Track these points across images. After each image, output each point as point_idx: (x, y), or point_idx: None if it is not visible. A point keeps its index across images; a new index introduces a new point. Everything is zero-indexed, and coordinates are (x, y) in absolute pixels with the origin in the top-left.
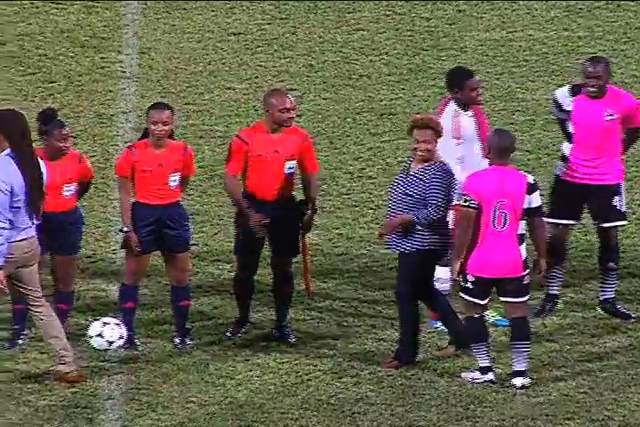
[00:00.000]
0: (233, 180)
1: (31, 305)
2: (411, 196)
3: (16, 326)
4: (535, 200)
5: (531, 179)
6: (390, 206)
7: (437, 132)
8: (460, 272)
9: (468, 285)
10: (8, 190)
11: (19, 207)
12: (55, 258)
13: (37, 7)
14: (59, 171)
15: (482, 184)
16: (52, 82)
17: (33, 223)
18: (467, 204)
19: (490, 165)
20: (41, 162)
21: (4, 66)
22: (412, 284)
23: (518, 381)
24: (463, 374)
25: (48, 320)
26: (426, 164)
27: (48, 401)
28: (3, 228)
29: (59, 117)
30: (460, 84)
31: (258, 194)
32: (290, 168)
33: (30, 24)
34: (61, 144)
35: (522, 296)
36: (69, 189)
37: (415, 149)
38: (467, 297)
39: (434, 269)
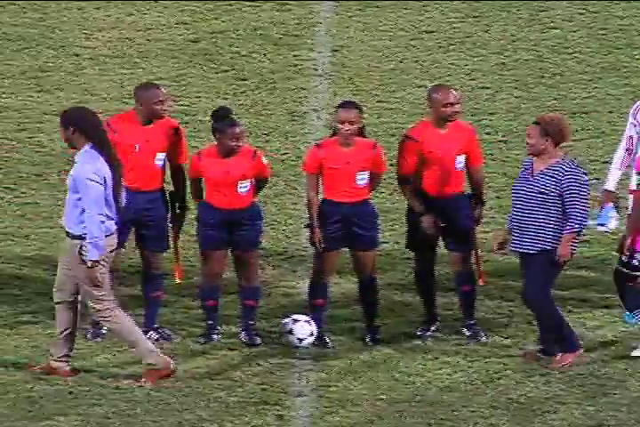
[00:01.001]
0: (407, 180)
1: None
2: (545, 194)
3: (210, 322)
4: None
5: None
6: (520, 206)
7: (545, 130)
8: (628, 249)
9: (634, 262)
10: (101, 182)
11: (108, 200)
12: (235, 254)
13: (231, 5)
14: (233, 167)
15: None
16: (243, 79)
17: (117, 216)
18: None
19: None
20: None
21: (197, 63)
22: (541, 285)
23: None
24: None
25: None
26: (554, 160)
27: (238, 398)
28: (102, 221)
29: (232, 116)
30: None
31: (432, 191)
32: (459, 162)
33: (224, 22)
34: (233, 143)
35: None
36: (245, 186)
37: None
38: (635, 273)
39: (559, 270)
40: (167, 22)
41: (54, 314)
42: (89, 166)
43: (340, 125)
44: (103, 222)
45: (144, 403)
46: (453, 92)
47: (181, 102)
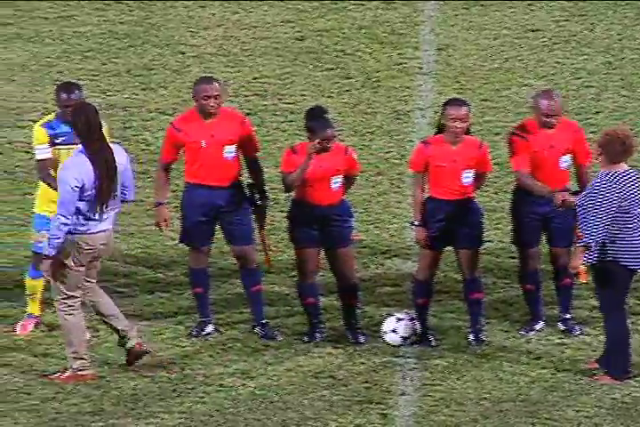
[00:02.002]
0: (526, 174)
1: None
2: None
3: (313, 320)
4: None
5: None
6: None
7: (599, 145)
8: None
9: None
10: (78, 186)
11: (89, 201)
12: (328, 252)
13: (336, 3)
14: (326, 163)
15: None
16: (348, 78)
17: (107, 216)
18: None
19: None
20: (123, 153)
21: (303, 61)
22: (607, 296)
23: None
24: None
25: (102, 302)
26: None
27: (342, 396)
28: (65, 223)
29: (327, 116)
30: None
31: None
32: (565, 162)
33: (329, 20)
34: (324, 145)
35: None
36: (337, 182)
37: None
38: None
39: (626, 282)
40: (272, 20)
41: (158, 311)
42: (70, 172)
43: (451, 123)
44: (66, 225)
45: (247, 401)
46: (555, 102)
47: (286, 101)
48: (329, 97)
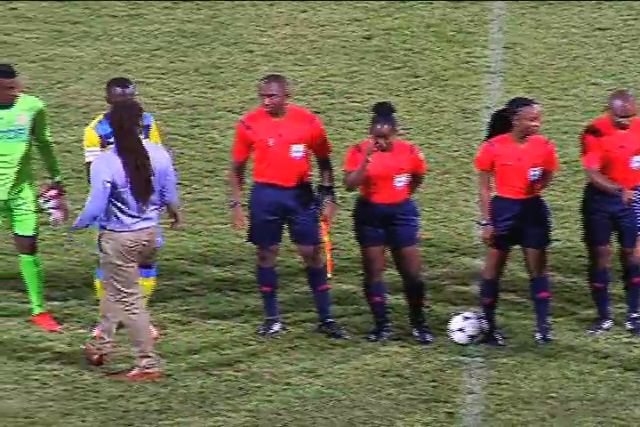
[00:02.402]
0: (596, 172)
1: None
2: None
3: (380, 318)
4: None
5: None
6: None
7: None
8: None
9: None
10: (108, 182)
11: (125, 198)
12: (394, 251)
13: (404, 2)
14: (389, 162)
15: None
16: (416, 76)
17: (148, 213)
18: None
19: None
20: (163, 154)
21: (371, 60)
22: None
23: None
24: None
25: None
26: None
27: (409, 395)
28: (94, 216)
29: (390, 113)
30: None
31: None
32: (636, 161)
33: (396, 19)
34: (378, 142)
35: None
36: (401, 180)
37: None
38: None
39: None
40: (340, 19)
41: (225, 309)
42: (100, 168)
43: (529, 122)
44: (94, 218)
45: (315, 400)
46: (629, 102)
47: (354, 99)
48: (396, 95)
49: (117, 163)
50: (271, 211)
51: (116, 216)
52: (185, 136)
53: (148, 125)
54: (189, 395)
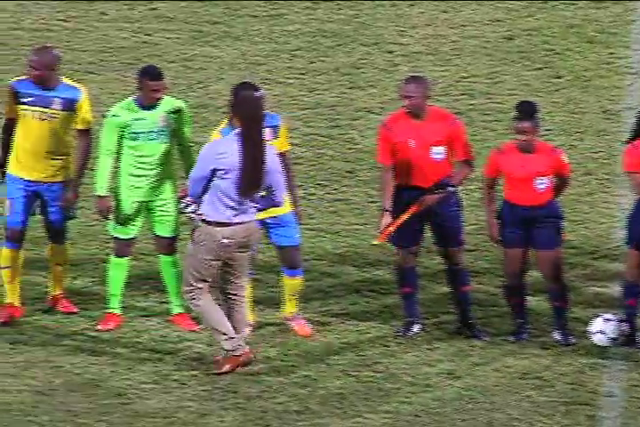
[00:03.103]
0: None
1: (231, 292)
2: None
3: (519, 320)
4: None
5: None
6: None
7: None
8: None
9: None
10: (210, 168)
11: (230, 188)
12: (536, 253)
13: (546, 2)
14: (529, 164)
15: None
16: (558, 77)
17: (248, 208)
18: None
19: None
20: (274, 156)
21: (512, 60)
22: None
23: None
24: None
25: (239, 309)
26: None
27: (548, 397)
28: (194, 196)
29: (530, 111)
30: None
31: None
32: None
33: (538, 19)
34: (524, 139)
35: None
36: (542, 182)
37: None
38: None
39: None
40: (481, 19)
41: (364, 310)
42: (214, 148)
43: None
44: (195, 203)
45: (454, 402)
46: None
47: (495, 100)
48: (538, 96)
49: (235, 146)
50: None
51: (215, 207)
52: (324, 136)
53: (277, 126)
54: (328, 396)
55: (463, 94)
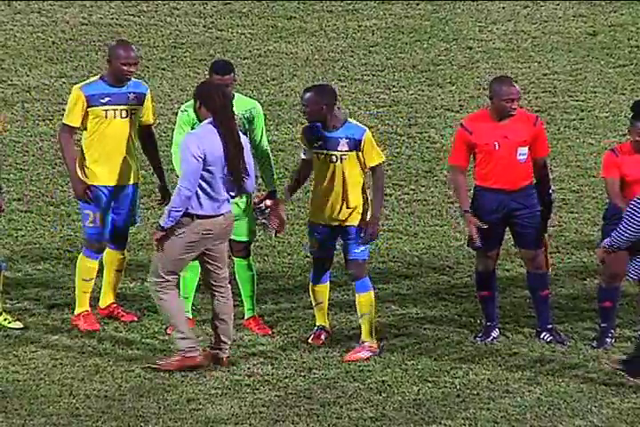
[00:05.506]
0: None
1: (214, 284)
2: None
3: (603, 325)
4: None
5: None
6: None
7: None
8: None
9: None
10: (201, 157)
11: (213, 178)
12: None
13: None
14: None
15: None
16: None
17: (232, 197)
18: None
19: None
20: (243, 137)
21: (595, 57)
22: None
23: None
24: None
25: (224, 302)
26: None
27: (632, 404)
28: (188, 196)
29: None
30: None
31: None
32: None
33: (622, 15)
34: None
35: None
36: None
37: None
38: None
39: None
40: (564, 15)
41: (442, 314)
42: (194, 139)
43: None
44: (189, 198)
45: (534, 408)
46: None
47: (577, 98)
48: (621, 94)
49: (214, 135)
50: (496, 216)
51: (198, 199)
52: (402, 135)
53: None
54: (404, 402)
55: (544, 92)
